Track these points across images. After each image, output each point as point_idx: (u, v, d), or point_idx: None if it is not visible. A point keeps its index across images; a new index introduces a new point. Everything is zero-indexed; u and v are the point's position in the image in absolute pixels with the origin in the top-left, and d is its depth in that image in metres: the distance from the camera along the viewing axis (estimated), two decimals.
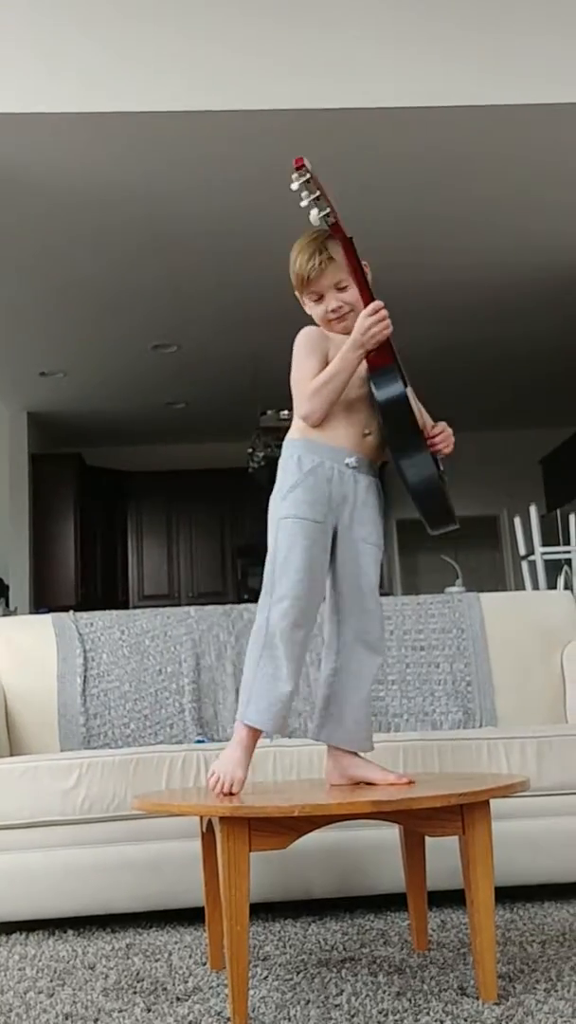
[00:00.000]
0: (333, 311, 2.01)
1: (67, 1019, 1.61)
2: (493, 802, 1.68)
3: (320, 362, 1.98)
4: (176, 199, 4.46)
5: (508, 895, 2.34)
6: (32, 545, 7.62)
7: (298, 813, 1.56)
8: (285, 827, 1.60)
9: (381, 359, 1.95)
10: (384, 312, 1.93)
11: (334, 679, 1.94)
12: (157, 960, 1.97)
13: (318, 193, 1.93)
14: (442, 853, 2.00)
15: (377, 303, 1.94)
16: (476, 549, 9.36)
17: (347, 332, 1.98)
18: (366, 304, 1.95)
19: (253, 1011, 1.60)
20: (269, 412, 6.55)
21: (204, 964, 1.92)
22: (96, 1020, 1.59)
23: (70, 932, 2.28)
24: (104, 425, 8.11)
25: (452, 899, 2.21)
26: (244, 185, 4.30)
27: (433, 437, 2.04)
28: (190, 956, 1.99)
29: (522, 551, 5.93)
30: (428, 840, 1.92)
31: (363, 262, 2.01)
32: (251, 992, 1.68)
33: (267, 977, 1.80)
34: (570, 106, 3.86)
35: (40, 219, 4.60)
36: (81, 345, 6.35)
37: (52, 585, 7.68)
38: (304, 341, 2.02)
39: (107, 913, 2.31)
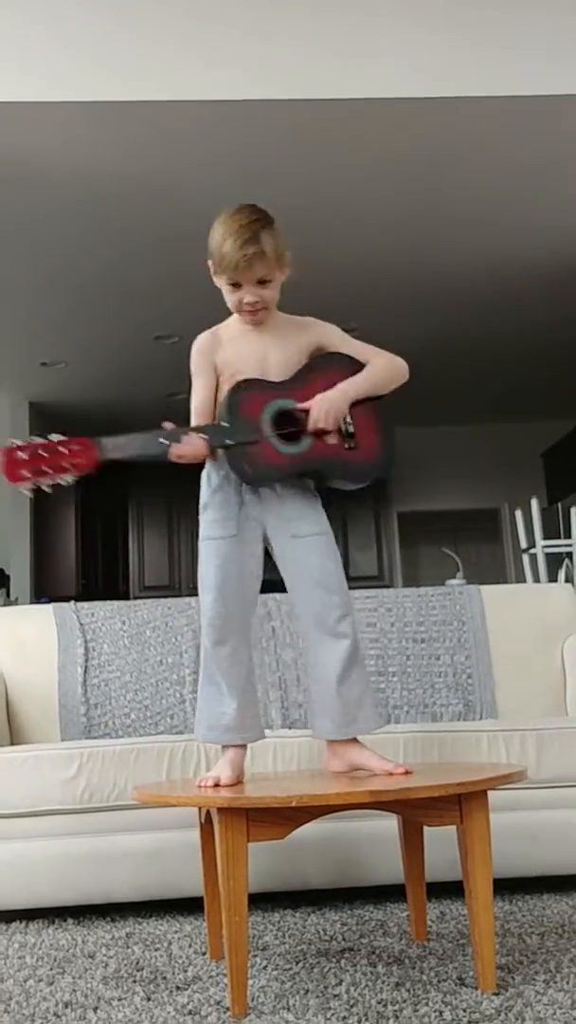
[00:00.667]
0: (248, 304, 1.96)
1: (67, 1007, 1.61)
2: (492, 794, 1.69)
3: (208, 379, 1.99)
4: (180, 190, 4.45)
5: (507, 887, 2.34)
6: (33, 535, 7.62)
7: (296, 803, 1.56)
8: (283, 817, 1.60)
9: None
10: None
11: (311, 673, 1.96)
12: (157, 949, 1.98)
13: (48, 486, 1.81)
14: (441, 844, 2.00)
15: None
16: (477, 542, 9.37)
17: (255, 324, 1.98)
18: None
19: (252, 1000, 1.60)
20: None
21: (203, 953, 1.92)
22: (96, 1008, 1.60)
23: (70, 921, 2.28)
24: (105, 415, 8.11)
25: (451, 890, 2.21)
26: (247, 177, 4.29)
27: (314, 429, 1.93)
28: (189, 945, 2.00)
29: (523, 544, 5.93)
30: (427, 831, 1.92)
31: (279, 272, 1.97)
32: (250, 981, 1.69)
33: (266, 967, 1.80)
34: (564, 97, 3.85)
35: (44, 210, 4.59)
36: (83, 335, 6.35)
37: (53, 575, 7.69)
38: (193, 361, 2.01)
39: (107, 902, 2.31)
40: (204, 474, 1.99)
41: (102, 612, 3.01)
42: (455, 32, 3.83)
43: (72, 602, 3.09)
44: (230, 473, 1.92)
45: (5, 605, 6.64)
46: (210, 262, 2.01)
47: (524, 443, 8.72)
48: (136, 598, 8.23)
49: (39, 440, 1.77)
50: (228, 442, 1.86)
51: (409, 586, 9.17)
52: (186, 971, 1.80)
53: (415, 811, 1.68)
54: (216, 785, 1.80)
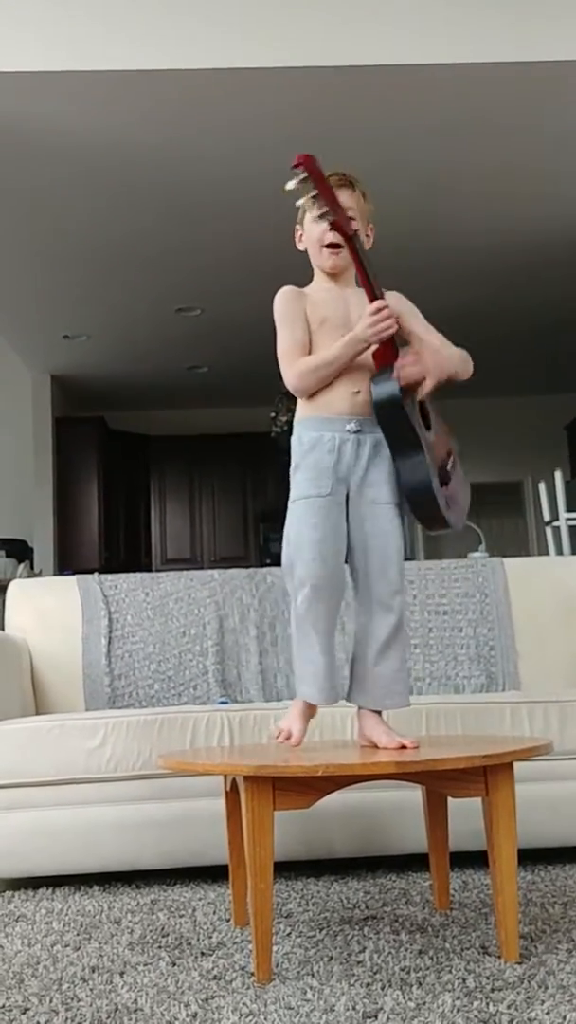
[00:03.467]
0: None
1: (93, 972, 1.64)
2: (516, 765, 1.69)
3: (303, 328, 1.98)
4: (202, 162, 4.42)
5: (529, 857, 2.35)
6: (56, 508, 7.66)
7: (322, 773, 1.57)
8: (309, 787, 1.61)
9: (382, 357, 1.92)
10: (387, 311, 1.90)
11: (356, 640, 1.96)
12: (182, 916, 2.00)
13: (314, 193, 1.87)
14: (464, 815, 2.01)
15: (380, 302, 1.91)
16: (499, 515, 9.32)
17: (334, 270, 2.01)
18: (371, 300, 1.91)
19: (277, 967, 1.62)
20: None
21: (228, 920, 1.94)
22: (122, 973, 1.62)
23: (95, 888, 2.31)
24: (127, 389, 8.12)
25: (474, 860, 2.22)
26: (269, 148, 4.25)
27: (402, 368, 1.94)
28: (214, 912, 2.02)
29: (546, 517, 5.89)
30: (451, 801, 1.93)
31: (367, 234, 1.99)
32: (275, 948, 1.70)
33: (290, 934, 1.82)
34: None
35: (65, 182, 4.57)
36: (105, 308, 6.34)
37: (76, 548, 7.73)
38: (282, 308, 2.00)
39: (132, 870, 2.34)
40: (295, 436, 1.99)
41: (125, 584, 3.03)
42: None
43: (96, 574, 3.11)
44: (323, 435, 1.94)
45: (29, 577, 6.69)
46: (297, 226, 2.07)
47: (548, 415, 8.65)
48: (158, 571, 8.28)
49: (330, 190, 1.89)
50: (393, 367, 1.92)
51: (431, 559, 9.16)
52: (211, 937, 1.82)
53: (440, 782, 1.68)
54: (288, 738, 1.88)
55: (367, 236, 2.03)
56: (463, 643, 2.95)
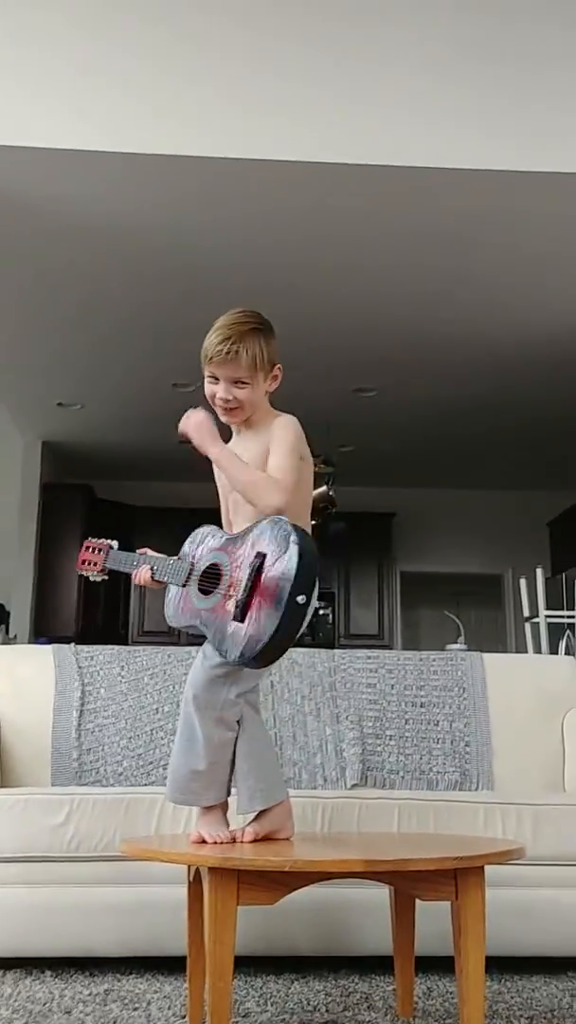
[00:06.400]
0: (223, 400, 2.01)
1: None
2: (487, 869, 1.66)
3: None
4: (203, 242, 4.52)
5: (497, 965, 2.29)
6: (36, 573, 7.61)
7: (290, 868, 1.53)
8: (275, 881, 1.57)
9: None
10: None
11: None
12: (135, 1009, 1.93)
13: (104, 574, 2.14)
14: (431, 916, 1.96)
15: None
16: (479, 607, 9.32)
17: (230, 423, 2.07)
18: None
19: None
20: None
21: (183, 1017, 1.87)
22: None
23: (48, 973, 2.23)
24: (117, 459, 8.14)
25: (440, 965, 2.16)
26: (267, 231, 4.36)
27: None
28: (169, 1007, 1.95)
29: (526, 612, 5.90)
30: (418, 903, 1.88)
31: (275, 374, 2.01)
32: None
33: None
34: None
35: (71, 255, 4.66)
36: (101, 379, 6.40)
37: (53, 614, 7.66)
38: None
39: (87, 956, 2.26)
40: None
41: (102, 656, 2.99)
42: (471, 106, 3.91)
43: (72, 644, 3.08)
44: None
45: (4, 643, 6.61)
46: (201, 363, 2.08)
47: (531, 511, 8.72)
48: (135, 642, 8.19)
49: (97, 541, 2.19)
50: (161, 579, 2.02)
51: (409, 647, 9.11)
52: None
53: (409, 883, 1.65)
54: (201, 841, 1.76)
55: (273, 379, 2.02)
56: (439, 737, 2.92)
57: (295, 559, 1.72)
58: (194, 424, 2.00)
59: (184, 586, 1.95)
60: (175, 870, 2.07)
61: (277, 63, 3.92)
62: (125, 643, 8.15)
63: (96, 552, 2.15)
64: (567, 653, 5.52)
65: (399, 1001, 1.90)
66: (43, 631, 7.45)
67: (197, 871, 1.76)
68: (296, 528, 1.77)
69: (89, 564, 2.14)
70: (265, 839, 1.80)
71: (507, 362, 5.96)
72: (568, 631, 5.67)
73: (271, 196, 4.09)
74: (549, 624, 5.59)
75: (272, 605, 1.73)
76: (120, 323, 5.50)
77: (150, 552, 2.07)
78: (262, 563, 1.77)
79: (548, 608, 5.63)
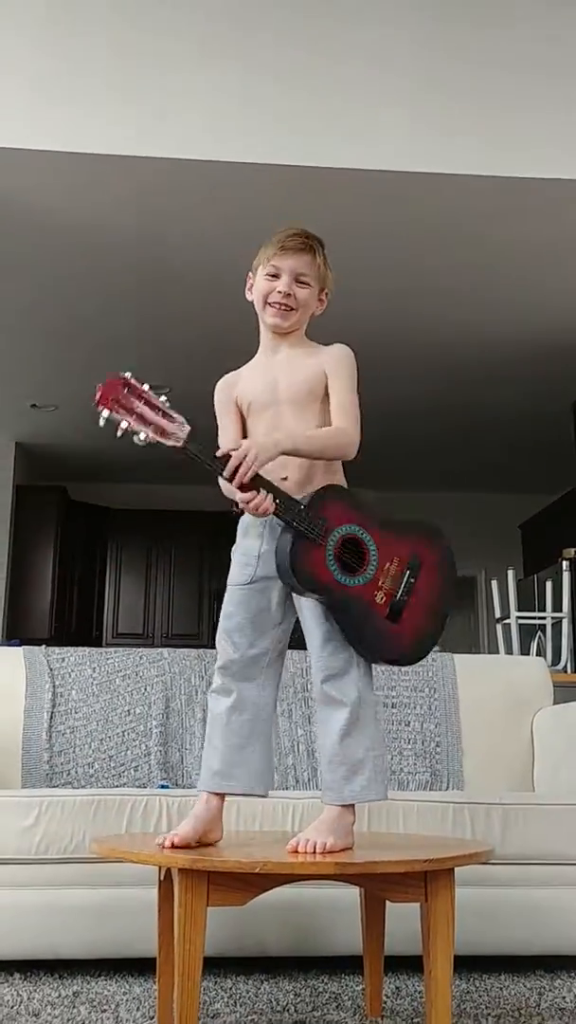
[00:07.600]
0: (280, 293, 1.90)
1: None
2: (456, 869, 1.67)
3: (231, 416, 1.98)
4: (176, 245, 4.52)
5: (465, 964, 2.30)
6: (9, 575, 7.56)
7: (260, 870, 1.54)
8: (246, 883, 1.58)
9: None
10: (255, 502, 1.74)
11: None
12: (104, 1011, 1.92)
13: (127, 424, 1.75)
14: (400, 916, 1.97)
15: (245, 496, 1.75)
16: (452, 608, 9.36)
17: (277, 329, 1.95)
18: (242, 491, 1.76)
19: None
20: None
21: (152, 1018, 1.87)
22: None
23: (16, 975, 2.22)
24: (91, 461, 8.11)
25: (409, 965, 2.17)
26: (240, 236, 4.36)
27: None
28: (138, 1009, 1.94)
29: (498, 614, 5.94)
30: (388, 903, 1.89)
31: (320, 299, 1.97)
32: None
33: None
34: (566, 182, 3.96)
35: (42, 257, 4.63)
36: (75, 381, 6.37)
37: (26, 616, 7.61)
38: (216, 396, 1.98)
39: (56, 958, 2.25)
40: (241, 519, 1.91)
41: (73, 658, 2.98)
42: (461, 111, 3.94)
43: (43, 646, 3.06)
44: (255, 519, 1.82)
45: None
46: (249, 274, 2.00)
47: (503, 514, 8.78)
48: (108, 644, 8.16)
49: (149, 393, 1.78)
50: (294, 522, 1.73)
51: None
52: None
53: (379, 885, 1.65)
54: (172, 846, 1.69)
55: (320, 301, 1.99)
56: (409, 737, 2.93)
57: (451, 571, 1.84)
58: (250, 451, 1.75)
59: (314, 540, 1.72)
60: (144, 872, 2.07)
61: (267, 67, 3.91)
62: (99, 646, 8.12)
63: (140, 400, 1.75)
64: (538, 654, 5.56)
65: (368, 1001, 1.91)
66: (15, 634, 7.40)
67: (168, 872, 1.76)
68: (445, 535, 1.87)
69: (121, 409, 1.76)
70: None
71: (476, 363, 5.99)
72: (539, 633, 5.71)
73: (233, 198, 4.09)
74: (521, 625, 5.63)
75: (430, 614, 1.82)
76: (92, 327, 5.48)
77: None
78: (421, 566, 1.79)
79: (520, 610, 5.67)
